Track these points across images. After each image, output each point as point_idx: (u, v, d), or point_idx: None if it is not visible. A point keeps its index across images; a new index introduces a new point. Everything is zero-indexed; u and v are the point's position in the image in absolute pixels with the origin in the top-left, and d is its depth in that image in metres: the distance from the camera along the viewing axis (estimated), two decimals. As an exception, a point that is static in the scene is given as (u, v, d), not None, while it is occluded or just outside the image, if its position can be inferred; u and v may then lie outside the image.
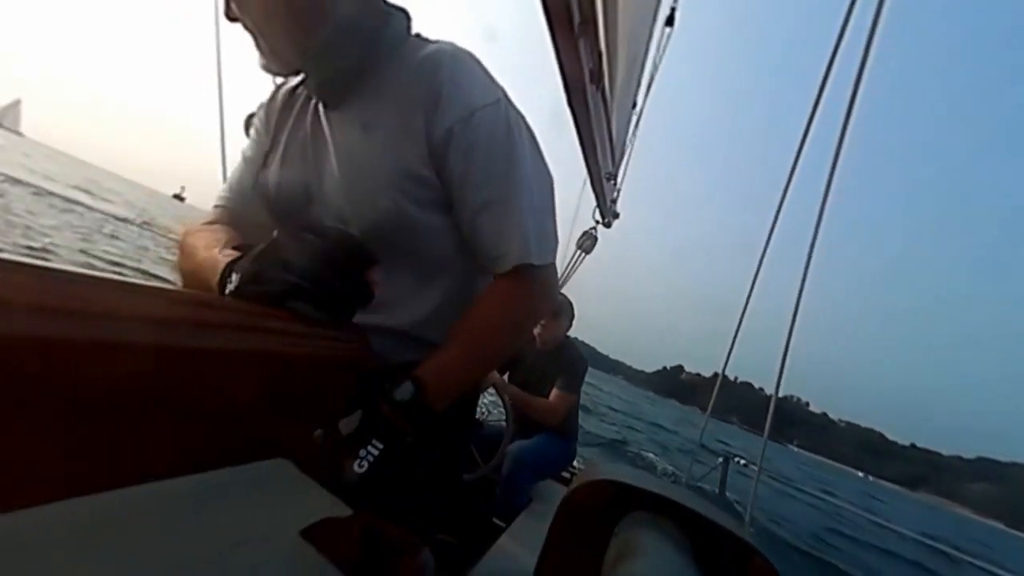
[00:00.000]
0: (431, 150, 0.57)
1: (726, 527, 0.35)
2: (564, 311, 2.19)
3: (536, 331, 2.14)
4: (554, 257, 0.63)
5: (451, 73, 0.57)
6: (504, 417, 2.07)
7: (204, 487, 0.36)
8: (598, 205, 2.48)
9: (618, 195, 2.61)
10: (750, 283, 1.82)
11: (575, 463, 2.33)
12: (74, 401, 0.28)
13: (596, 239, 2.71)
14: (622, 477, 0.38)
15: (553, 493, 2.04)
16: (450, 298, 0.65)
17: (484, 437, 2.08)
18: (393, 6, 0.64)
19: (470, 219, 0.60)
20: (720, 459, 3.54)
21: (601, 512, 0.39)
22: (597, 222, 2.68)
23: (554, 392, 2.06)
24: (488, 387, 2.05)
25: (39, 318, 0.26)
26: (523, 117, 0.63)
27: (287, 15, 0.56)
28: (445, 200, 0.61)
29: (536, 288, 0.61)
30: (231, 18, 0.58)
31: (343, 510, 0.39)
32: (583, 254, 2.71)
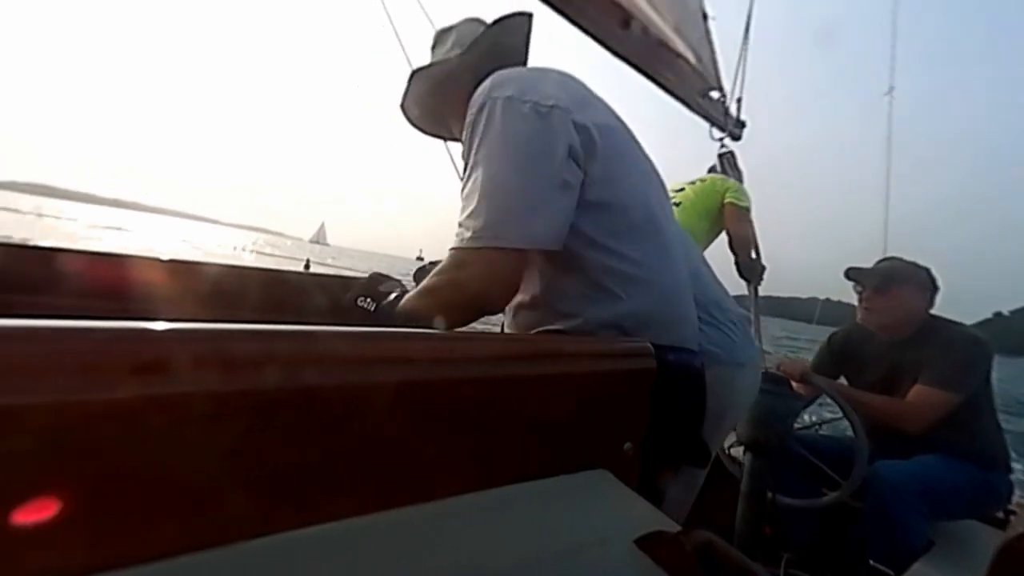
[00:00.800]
0: None
1: None
2: (910, 279, 1.53)
3: (862, 312, 1.59)
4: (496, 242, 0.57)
5: None
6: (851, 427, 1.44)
7: (539, 492, 0.41)
8: (709, 121, 2.11)
9: (739, 104, 2.20)
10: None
11: (1013, 500, 1.48)
12: (444, 420, 0.38)
13: (733, 155, 2.26)
14: None
15: (969, 536, 1.38)
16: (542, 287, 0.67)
17: (833, 452, 1.49)
18: None
19: None
20: None
21: None
22: (719, 139, 2.25)
23: (916, 388, 1.43)
24: (816, 394, 1.58)
25: (440, 367, 0.38)
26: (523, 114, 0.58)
27: None
28: None
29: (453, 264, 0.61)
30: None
31: (668, 523, 0.40)
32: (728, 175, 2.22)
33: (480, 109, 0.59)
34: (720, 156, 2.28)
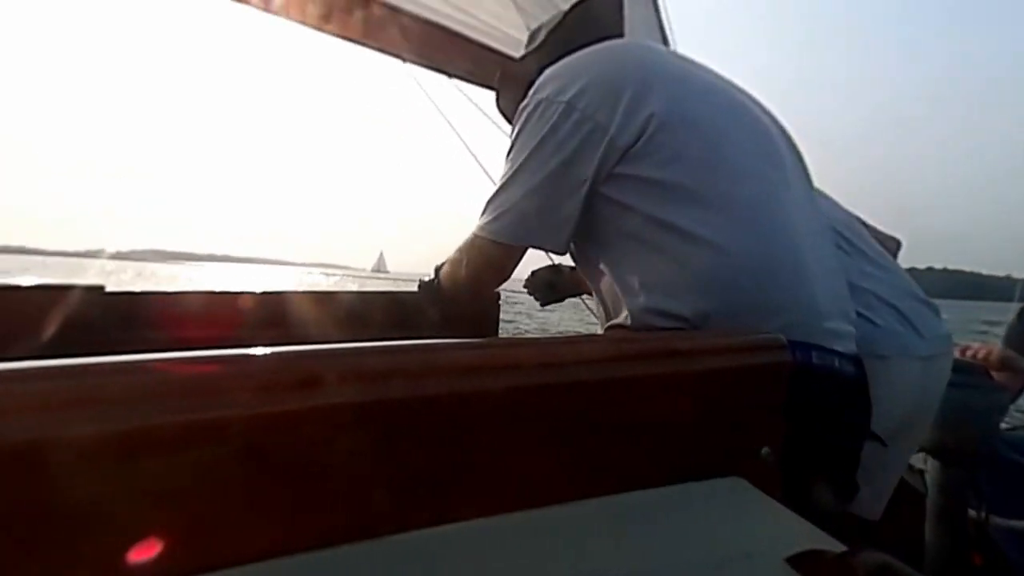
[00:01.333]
0: None
1: None
2: None
3: None
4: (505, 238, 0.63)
5: None
6: None
7: (665, 500, 0.39)
8: None
9: None
10: None
11: None
12: (559, 424, 0.38)
13: None
14: None
15: None
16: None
17: None
18: None
19: None
20: None
21: None
22: None
23: None
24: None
25: (549, 372, 0.39)
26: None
27: None
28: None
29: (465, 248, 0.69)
30: None
31: (826, 540, 0.35)
32: None
33: (521, 112, 0.62)
34: None
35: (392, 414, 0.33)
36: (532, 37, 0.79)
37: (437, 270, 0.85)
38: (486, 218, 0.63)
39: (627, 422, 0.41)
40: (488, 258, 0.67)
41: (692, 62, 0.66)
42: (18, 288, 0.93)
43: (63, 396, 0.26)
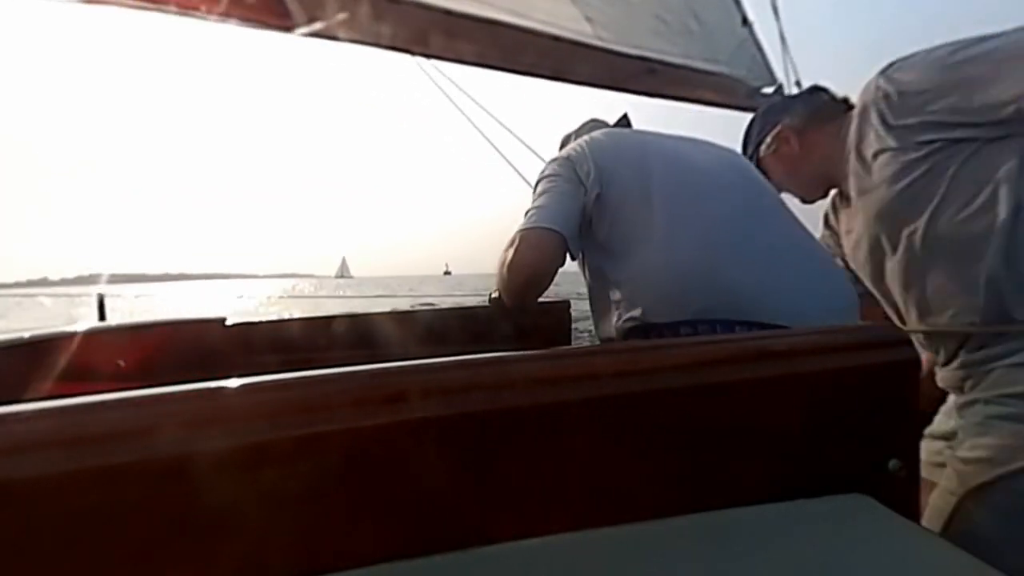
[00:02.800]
0: None
1: None
2: None
3: None
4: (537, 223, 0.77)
5: None
6: None
7: (773, 519, 0.36)
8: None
9: (799, 86, 2.23)
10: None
11: None
12: (642, 435, 0.37)
13: None
14: None
15: None
16: None
17: None
18: None
19: None
20: None
21: None
22: None
23: None
24: None
25: (628, 381, 0.38)
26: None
27: None
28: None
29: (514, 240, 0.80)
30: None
31: (977, 567, 0.30)
32: None
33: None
34: None
35: (473, 426, 0.34)
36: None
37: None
38: (524, 222, 0.80)
39: (723, 431, 0.39)
40: (533, 244, 0.81)
41: (657, 136, 0.87)
42: (154, 324, 1.10)
43: (197, 416, 0.30)
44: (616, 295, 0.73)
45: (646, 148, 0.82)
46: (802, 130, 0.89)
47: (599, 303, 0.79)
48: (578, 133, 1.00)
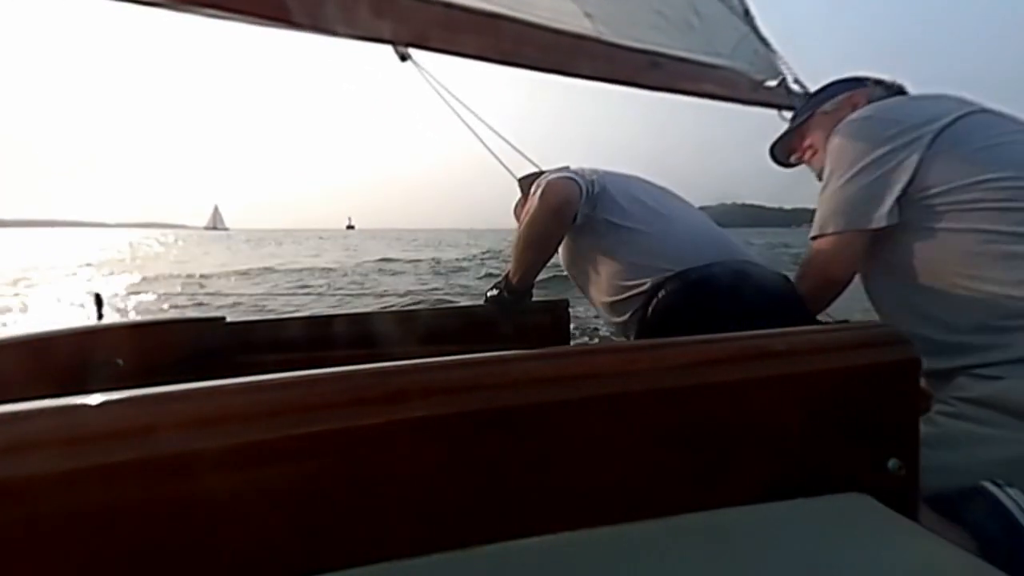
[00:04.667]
0: None
1: None
2: None
3: None
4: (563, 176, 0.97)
5: None
6: None
7: (771, 518, 0.36)
8: (771, 107, 2.20)
9: (798, 82, 2.25)
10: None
11: None
12: (642, 434, 0.37)
13: None
14: None
15: None
16: None
17: None
18: None
19: None
20: None
21: None
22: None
23: None
24: None
25: (629, 380, 0.38)
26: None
27: None
28: None
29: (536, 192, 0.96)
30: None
31: (980, 567, 0.30)
32: None
33: None
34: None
35: (473, 426, 0.34)
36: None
37: (506, 277, 1.07)
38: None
39: (722, 431, 0.39)
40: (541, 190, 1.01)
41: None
42: (154, 323, 1.10)
43: (197, 416, 0.30)
44: (634, 261, 0.93)
45: (628, 182, 1.05)
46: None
47: (603, 279, 0.98)
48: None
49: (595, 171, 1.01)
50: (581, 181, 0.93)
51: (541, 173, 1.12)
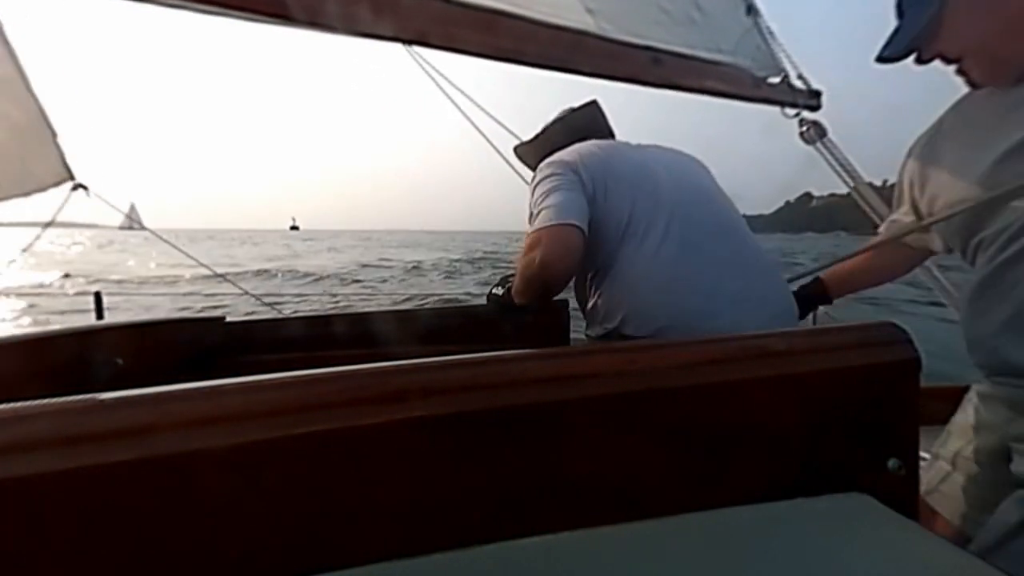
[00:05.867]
0: None
1: None
2: None
3: None
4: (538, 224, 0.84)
5: None
6: None
7: (773, 517, 0.36)
8: (774, 104, 2.05)
9: (801, 78, 2.23)
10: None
11: None
12: (643, 434, 0.37)
13: (819, 123, 2.31)
14: None
15: None
16: None
17: None
18: None
19: None
20: None
21: None
22: (796, 115, 2.31)
23: None
24: None
25: (628, 380, 0.38)
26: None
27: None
28: None
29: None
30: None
31: (976, 566, 0.30)
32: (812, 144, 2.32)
33: (534, 179, 0.92)
34: (801, 133, 2.14)
35: (473, 425, 0.34)
36: (535, 136, 1.13)
37: (504, 280, 1.01)
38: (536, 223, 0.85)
39: (722, 431, 0.38)
40: (554, 239, 0.86)
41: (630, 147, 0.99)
42: (154, 323, 1.10)
43: (197, 416, 0.30)
44: (597, 301, 0.85)
45: (625, 165, 0.93)
46: None
47: (583, 303, 0.91)
48: (557, 121, 1.10)
49: (593, 158, 0.92)
50: (580, 223, 0.83)
51: (537, 137, 1.09)
